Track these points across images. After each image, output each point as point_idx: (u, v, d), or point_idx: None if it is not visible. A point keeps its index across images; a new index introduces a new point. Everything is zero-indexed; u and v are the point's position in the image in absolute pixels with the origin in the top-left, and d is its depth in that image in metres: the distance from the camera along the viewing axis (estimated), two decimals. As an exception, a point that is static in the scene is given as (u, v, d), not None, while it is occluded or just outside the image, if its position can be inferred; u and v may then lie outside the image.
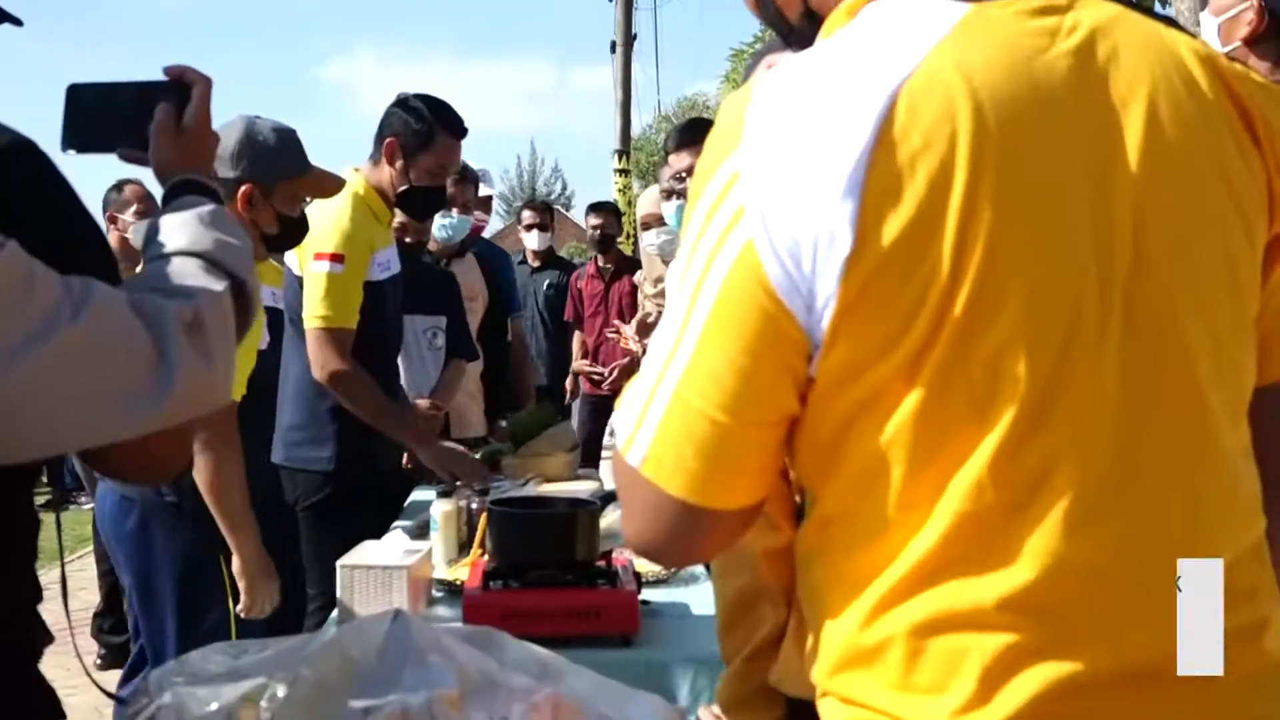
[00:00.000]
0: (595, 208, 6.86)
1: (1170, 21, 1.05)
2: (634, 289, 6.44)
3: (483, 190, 5.25)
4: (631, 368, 6.12)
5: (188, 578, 2.84)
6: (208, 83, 1.50)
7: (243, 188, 2.86)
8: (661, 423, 0.98)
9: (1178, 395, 0.96)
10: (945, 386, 0.91)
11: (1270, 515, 1.04)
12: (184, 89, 1.49)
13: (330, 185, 3.10)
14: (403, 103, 3.47)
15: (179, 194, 1.40)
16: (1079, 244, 0.93)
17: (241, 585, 2.81)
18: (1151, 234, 0.95)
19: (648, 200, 4.96)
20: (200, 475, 2.73)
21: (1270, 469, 1.05)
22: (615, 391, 5.79)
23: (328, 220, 3.19)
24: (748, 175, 0.93)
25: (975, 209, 0.90)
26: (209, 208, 1.35)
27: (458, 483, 3.32)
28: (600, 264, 6.59)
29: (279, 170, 2.92)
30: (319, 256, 3.23)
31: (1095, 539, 0.93)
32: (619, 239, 6.92)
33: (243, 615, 2.83)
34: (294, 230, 3.01)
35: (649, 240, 4.73)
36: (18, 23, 1.31)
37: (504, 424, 4.13)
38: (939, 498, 0.93)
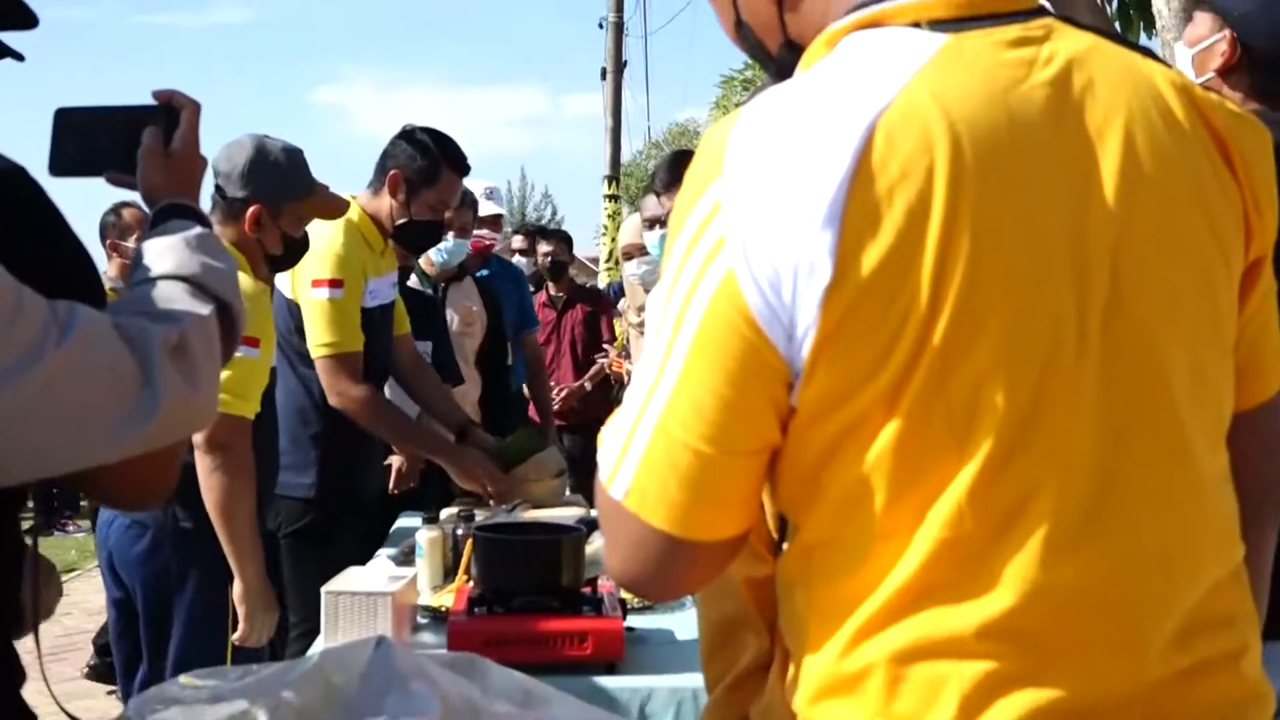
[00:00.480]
0: (546, 234, 6.67)
1: (1147, 51, 1.06)
2: (586, 318, 6.40)
3: (491, 208, 5.20)
4: (579, 391, 6.11)
5: (197, 603, 2.81)
6: (196, 107, 1.50)
7: (251, 208, 2.85)
8: (644, 455, 0.98)
9: (1156, 422, 0.96)
10: (924, 415, 0.92)
11: (1249, 541, 1.05)
12: (173, 113, 1.49)
13: (336, 207, 3.10)
14: (408, 135, 3.48)
15: (166, 218, 1.40)
16: (1057, 274, 0.93)
17: (240, 613, 2.78)
18: (1129, 263, 0.96)
19: (629, 230, 4.97)
20: (209, 496, 2.69)
21: (1249, 495, 1.06)
22: (562, 414, 5.75)
23: (321, 245, 3.19)
24: (729, 205, 0.93)
25: (953, 239, 0.90)
26: (195, 231, 1.36)
27: (488, 499, 3.39)
28: (551, 292, 6.37)
29: (287, 191, 2.90)
30: (317, 284, 3.23)
31: (1074, 566, 0.93)
32: (572, 266, 6.77)
33: (238, 643, 2.79)
34: (297, 251, 3.00)
35: (630, 270, 4.74)
36: (19, 58, 1.32)
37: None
38: (919, 525, 0.93)
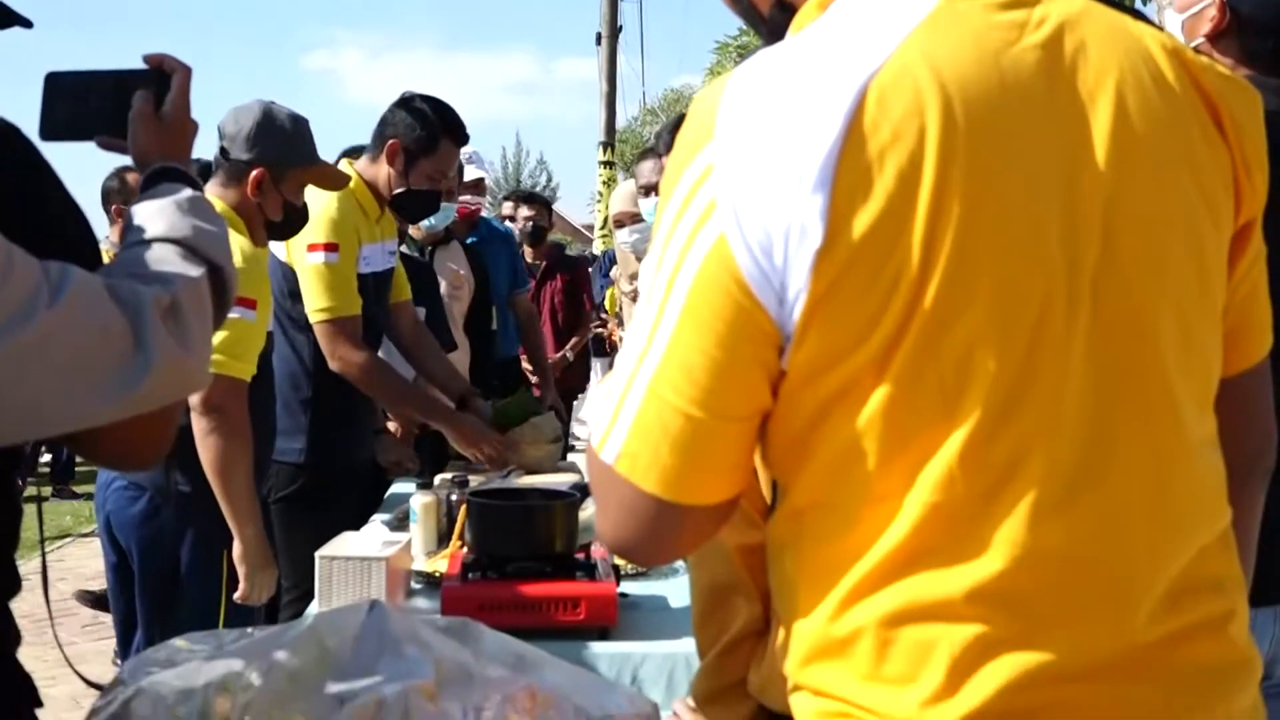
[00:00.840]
0: (527, 198, 6.53)
1: (1138, 14, 1.06)
2: (566, 287, 6.33)
3: (475, 173, 5.19)
4: (560, 362, 6.09)
5: (193, 566, 2.84)
6: (187, 71, 1.50)
7: (255, 172, 2.87)
8: (636, 419, 0.98)
9: (1146, 386, 0.97)
10: (915, 379, 0.92)
11: (1236, 506, 1.05)
12: (163, 77, 1.48)
13: (337, 178, 3.12)
14: (407, 104, 3.46)
15: (157, 181, 1.40)
16: (1047, 237, 0.93)
17: (241, 572, 2.81)
18: (1120, 226, 0.96)
19: (620, 198, 4.94)
20: (206, 457, 2.71)
21: (1236, 460, 1.06)
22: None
23: (316, 210, 3.19)
24: (721, 168, 0.93)
25: (944, 202, 0.90)
26: (187, 194, 1.35)
27: (482, 464, 3.41)
28: (529, 259, 6.17)
29: (292, 157, 2.93)
30: (313, 248, 3.23)
31: (1064, 530, 0.93)
32: (552, 231, 6.61)
33: (239, 601, 2.82)
34: (296, 219, 3.02)
35: (622, 238, 4.72)
36: (27, 24, 1.31)
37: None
38: (909, 489, 0.93)
